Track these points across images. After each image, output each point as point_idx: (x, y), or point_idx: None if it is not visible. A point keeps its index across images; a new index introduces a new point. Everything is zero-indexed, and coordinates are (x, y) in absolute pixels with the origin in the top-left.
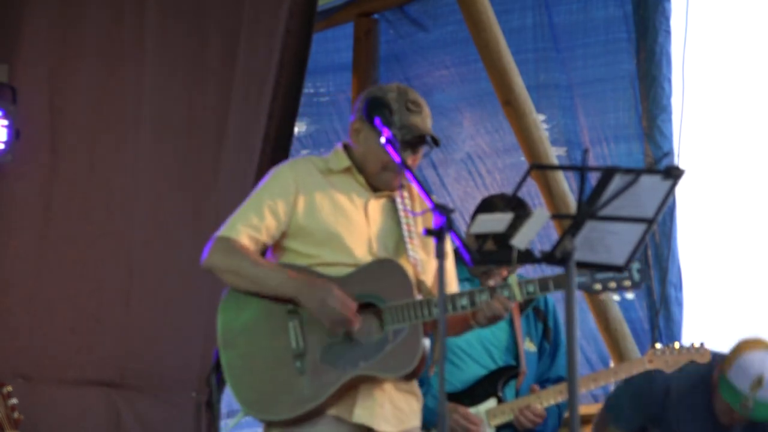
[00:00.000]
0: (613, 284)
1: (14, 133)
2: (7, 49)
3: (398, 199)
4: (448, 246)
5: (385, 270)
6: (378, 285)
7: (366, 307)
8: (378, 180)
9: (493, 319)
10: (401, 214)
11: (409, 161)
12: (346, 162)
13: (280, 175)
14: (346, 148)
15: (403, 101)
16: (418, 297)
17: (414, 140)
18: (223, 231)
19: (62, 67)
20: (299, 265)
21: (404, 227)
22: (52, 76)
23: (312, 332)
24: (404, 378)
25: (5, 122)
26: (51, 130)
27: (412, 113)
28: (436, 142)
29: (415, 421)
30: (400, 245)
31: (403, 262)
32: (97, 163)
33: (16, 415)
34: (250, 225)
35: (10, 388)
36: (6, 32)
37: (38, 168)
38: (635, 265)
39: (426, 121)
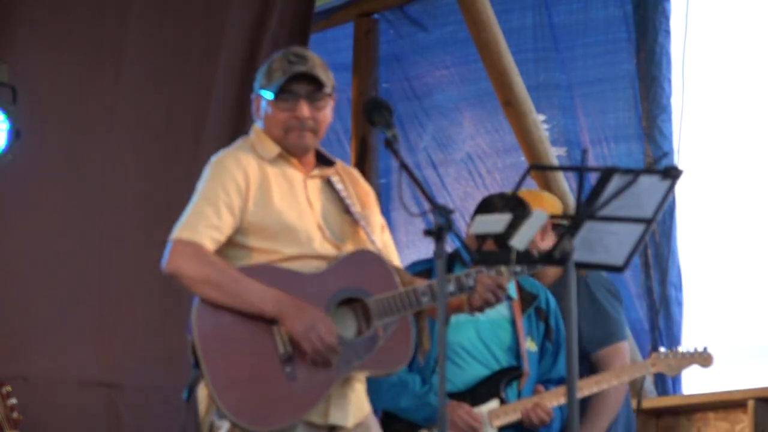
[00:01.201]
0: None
1: (14, 133)
2: (7, 49)
3: (333, 178)
4: (381, 218)
5: (363, 261)
6: (359, 278)
7: (350, 302)
8: (288, 144)
9: (492, 301)
10: (342, 194)
11: (305, 111)
12: (275, 148)
13: (226, 168)
14: (263, 131)
15: (285, 59)
16: (401, 287)
17: (307, 80)
18: (184, 232)
19: (58, 66)
20: (262, 264)
21: (352, 210)
22: (49, 76)
23: None
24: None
25: (5, 122)
26: (48, 130)
27: (293, 63)
28: (319, 82)
29: (367, 405)
30: (344, 227)
31: (358, 243)
32: (88, 163)
33: (15, 415)
34: (211, 225)
35: (9, 388)
36: (6, 32)
37: (36, 168)
38: None
39: (313, 69)
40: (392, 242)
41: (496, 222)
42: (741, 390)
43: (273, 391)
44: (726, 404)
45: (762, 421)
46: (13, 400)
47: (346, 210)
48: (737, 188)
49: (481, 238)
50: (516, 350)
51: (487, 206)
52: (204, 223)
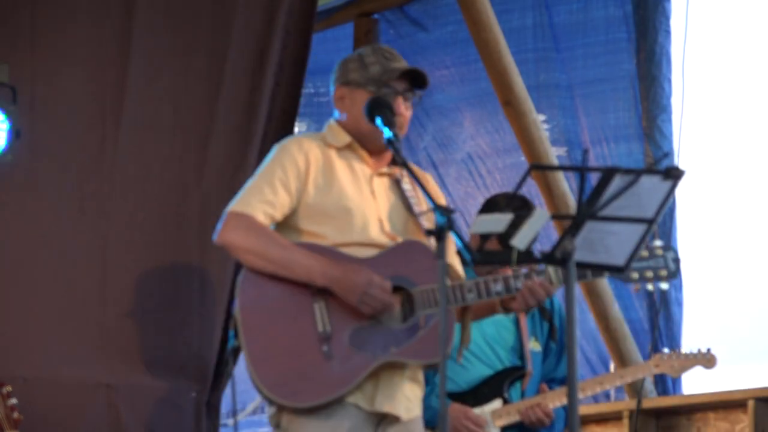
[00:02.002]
0: (649, 273)
1: (14, 133)
2: (7, 49)
3: (401, 179)
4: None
5: (413, 252)
6: (407, 268)
7: (394, 290)
8: (376, 138)
9: (533, 304)
10: (408, 194)
11: (402, 108)
12: (346, 138)
13: (288, 151)
14: (339, 123)
15: (379, 54)
16: (448, 281)
17: (402, 78)
18: (237, 206)
19: (59, 66)
20: (322, 245)
21: (414, 208)
22: (49, 76)
23: (338, 315)
24: (433, 365)
25: (5, 122)
26: (49, 130)
27: (390, 60)
28: (423, 79)
29: (418, 409)
30: (408, 225)
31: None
32: (92, 163)
33: (15, 415)
34: (265, 200)
35: (9, 388)
36: (6, 32)
37: (37, 168)
38: (670, 254)
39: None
40: (457, 257)
41: (497, 221)
42: (741, 390)
43: (308, 368)
44: (726, 404)
45: (762, 421)
46: (13, 400)
47: (410, 210)
48: (737, 188)
49: (484, 237)
50: (519, 350)
51: (491, 206)
52: (258, 198)
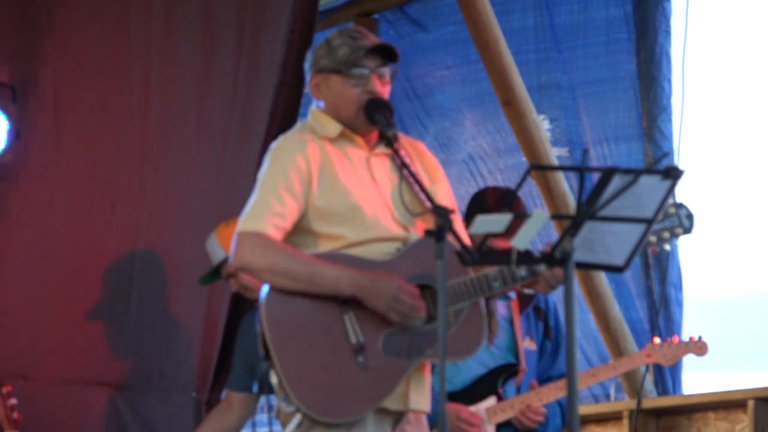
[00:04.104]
0: (666, 234)
1: (14, 133)
2: (7, 49)
3: (397, 153)
4: (452, 197)
5: (432, 248)
6: (429, 264)
7: (419, 289)
8: (359, 121)
9: (556, 285)
10: (406, 172)
11: (378, 87)
12: (337, 126)
13: (286, 153)
14: (322, 111)
15: (345, 35)
16: (472, 273)
17: (372, 55)
18: (247, 224)
19: (66, 65)
20: (330, 252)
21: (415, 188)
22: (55, 75)
23: (368, 323)
24: None
25: (5, 122)
26: (54, 129)
27: (356, 39)
28: (393, 53)
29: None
30: (416, 205)
31: (428, 223)
32: (100, 162)
33: (15, 415)
34: (274, 213)
35: (9, 388)
36: (6, 32)
37: (40, 168)
38: (683, 211)
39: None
40: (462, 225)
41: (496, 222)
42: (741, 390)
43: (345, 381)
44: (726, 404)
45: (762, 421)
46: (14, 400)
47: (413, 188)
48: (737, 188)
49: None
50: (514, 349)
51: (479, 200)
52: (267, 212)
